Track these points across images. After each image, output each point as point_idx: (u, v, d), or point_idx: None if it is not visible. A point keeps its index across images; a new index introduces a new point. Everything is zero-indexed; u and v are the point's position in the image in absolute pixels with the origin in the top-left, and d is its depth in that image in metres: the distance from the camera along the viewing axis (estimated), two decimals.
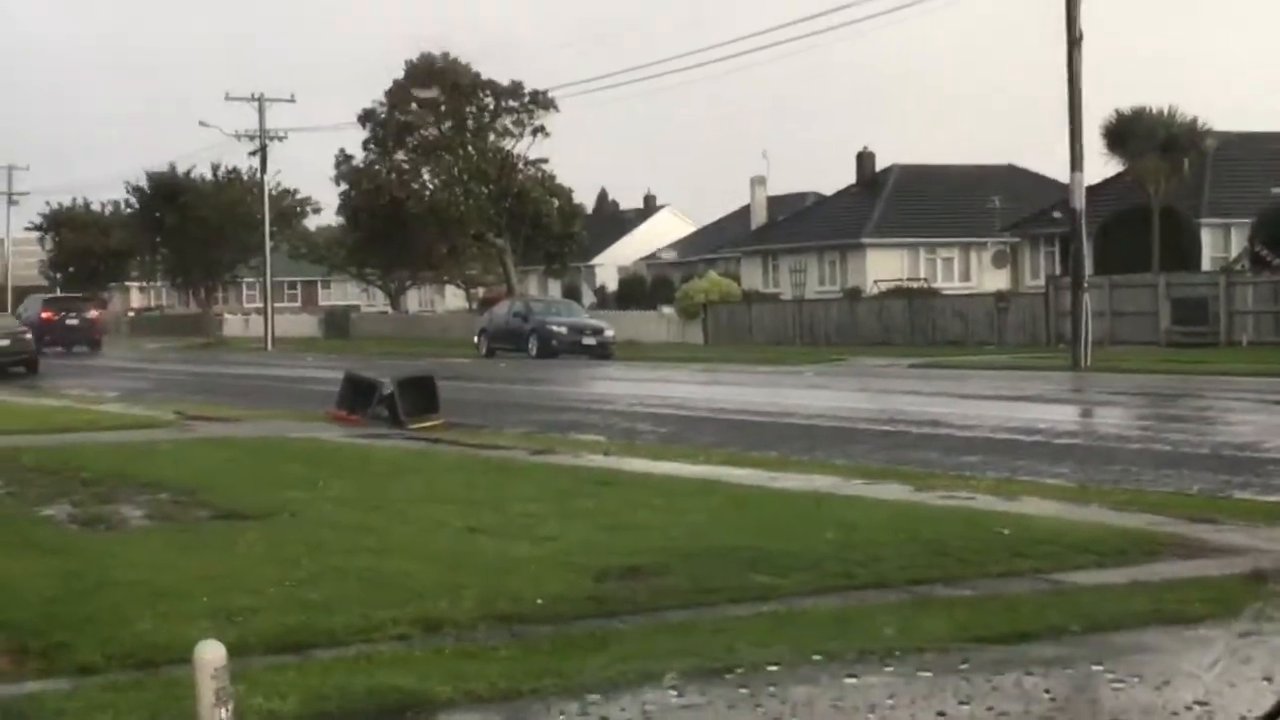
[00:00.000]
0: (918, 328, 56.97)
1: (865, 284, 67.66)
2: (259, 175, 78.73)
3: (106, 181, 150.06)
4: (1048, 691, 2.07)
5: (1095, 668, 3.16)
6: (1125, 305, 49.34)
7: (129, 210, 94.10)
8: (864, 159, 77.89)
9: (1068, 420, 24.86)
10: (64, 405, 28.83)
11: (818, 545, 10.49)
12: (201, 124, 78.66)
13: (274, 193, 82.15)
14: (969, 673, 3.34)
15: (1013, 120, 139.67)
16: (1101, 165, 55.07)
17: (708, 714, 2.38)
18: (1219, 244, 58.60)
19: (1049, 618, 7.89)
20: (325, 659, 7.62)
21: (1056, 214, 56.91)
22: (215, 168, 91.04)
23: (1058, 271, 55.92)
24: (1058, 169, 48.21)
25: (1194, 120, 54.89)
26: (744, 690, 3.01)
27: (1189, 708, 1.78)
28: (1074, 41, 40.25)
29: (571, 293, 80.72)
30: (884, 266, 69.31)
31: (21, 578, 9.82)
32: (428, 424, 22.07)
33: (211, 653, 5.13)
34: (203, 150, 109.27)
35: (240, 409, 27.21)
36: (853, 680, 3.09)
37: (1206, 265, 54.52)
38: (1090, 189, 44.03)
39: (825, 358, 47.24)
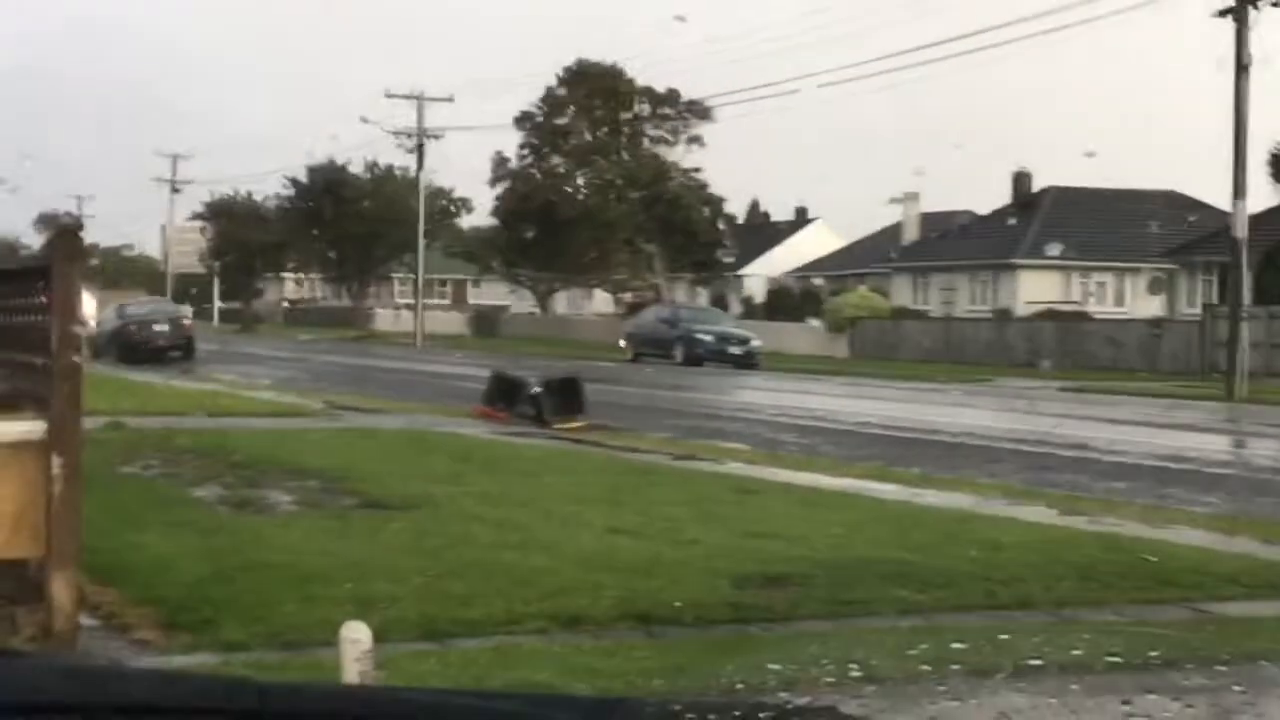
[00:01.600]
0: (1068, 351, 56.25)
1: (1016, 305, 66.93)
2: (415, 173, 79.70)
3: (267, 175, 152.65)
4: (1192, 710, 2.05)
5: (1247, 695, 3.10)
6: None
7: (288, 203, 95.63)
8: (1020, 179, 77.06)
9: (1219, 450, 24.42)
10: (217, 390, 29.37)
11: (960, 563, 10.41)
12: (363, 120, 79.66)
13: (429, 190, 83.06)
14: (1119, 694, 3.30)
15: (1175, 146, 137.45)
16: (1266, 194, 54.07)
17: (868, 710, 2.41)
18: None
19: (1198, 646, 7.76)
20: (465, 649, 7.71)
21: (1207, 242, 55.90)
22: (372, 164, 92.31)
23: (1215, 300, 54.95)
24: (1218, 196, 47.46)
25: None
26: (890, 698, 3.02)
27: None
28: (1242, 67, 39.57)
29: (719, 301, 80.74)
30: (1036, 288, 68.51)
31: (173, 556, 10.03)
32: (572, 425, 22.19)
33: (357, 633, 5.19)
34: (361, 147, 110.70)
35: (389, 401, 27.54)
36: (1002, 694, 3.07)
37: None
38: (1253, 218, 43.23)
39: (972, 377, 46.81)
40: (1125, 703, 1.99)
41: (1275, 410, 34.05)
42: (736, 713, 1.92)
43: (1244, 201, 40.51)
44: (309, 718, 1.80)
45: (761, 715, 1.84)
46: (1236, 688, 2.20)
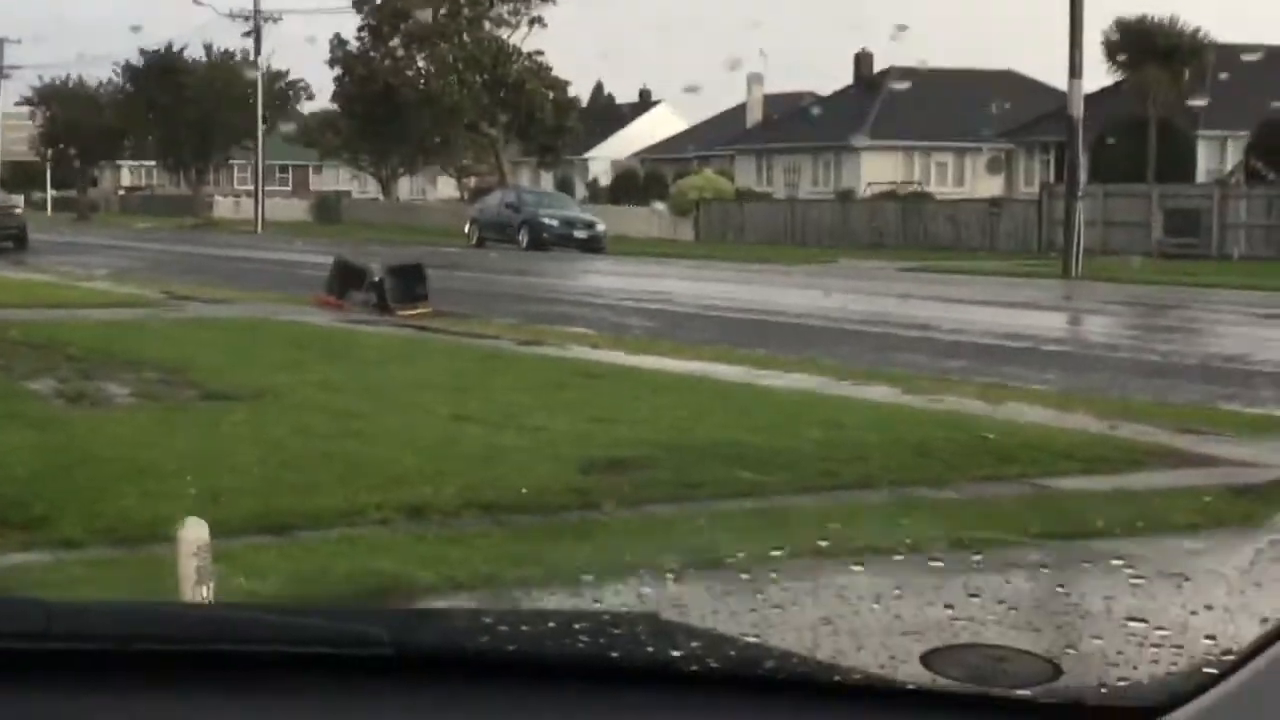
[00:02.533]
0: (910, 232, 56.83)
1: (859, 187, 67.42)
2: (253, 57, 78.15)
3: (100, 59, 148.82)
4: (1061, 586, 2.07)
5: (1088, 568, 3.15)
6: (1118, 215, 49.21)
7: (122, 89, 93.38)
8: (861, 60, 77.37)
9: (1056, 328, 24.85)
10: (52, 281, 28.73)
11: (803, 444, 10.49)
12: (196, 1, 77.75)
13: (267, 75, 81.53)
14: (972, 570, 3.32)
15: (1013, 26, 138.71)
16: (1101, 74, 54.81)
17: (704, 600, 2.36)
18: (1215, 157, 58.37)
19: (1036, 522, 7.91)
20: (307, 541, 7.62)
21: (1044, 122, 56.66)
22: (209, 48, 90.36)
23: (1052, 179, 55.76)
24: (1057, 76, 47.99)
25: (1195, 31, 54.61)
26: (743, 578, 3.01)
27: (1209, 608, 1.77)
28: None
29: (564, 186, 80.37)
30: (878, 170, 69.03)
31: (4, 451, 9.80)
32: (416, 311, 22.02)
33: (194, 531, 5.11)
34: (196, 31, 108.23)
35: (229, 290, 27.12)
36: (852, 573, 3.07)
37: (1201, 178, 54.36)
38: (1088, 97, 43.73)
39: (816, 259, 47.15)
40: (948, 606, 1.99)
41: (1109, 287, 34.70)
42: (551, 624, 1.88)
43: (1080, 81, 40.98)
44: (98, 638, 1.73)
45: (578, 626, 1.80)
46: (1060, 589, 2.21)
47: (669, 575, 5.19)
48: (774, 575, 2.93)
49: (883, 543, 4.86)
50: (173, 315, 21.53)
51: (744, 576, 3.09)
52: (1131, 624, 1.82)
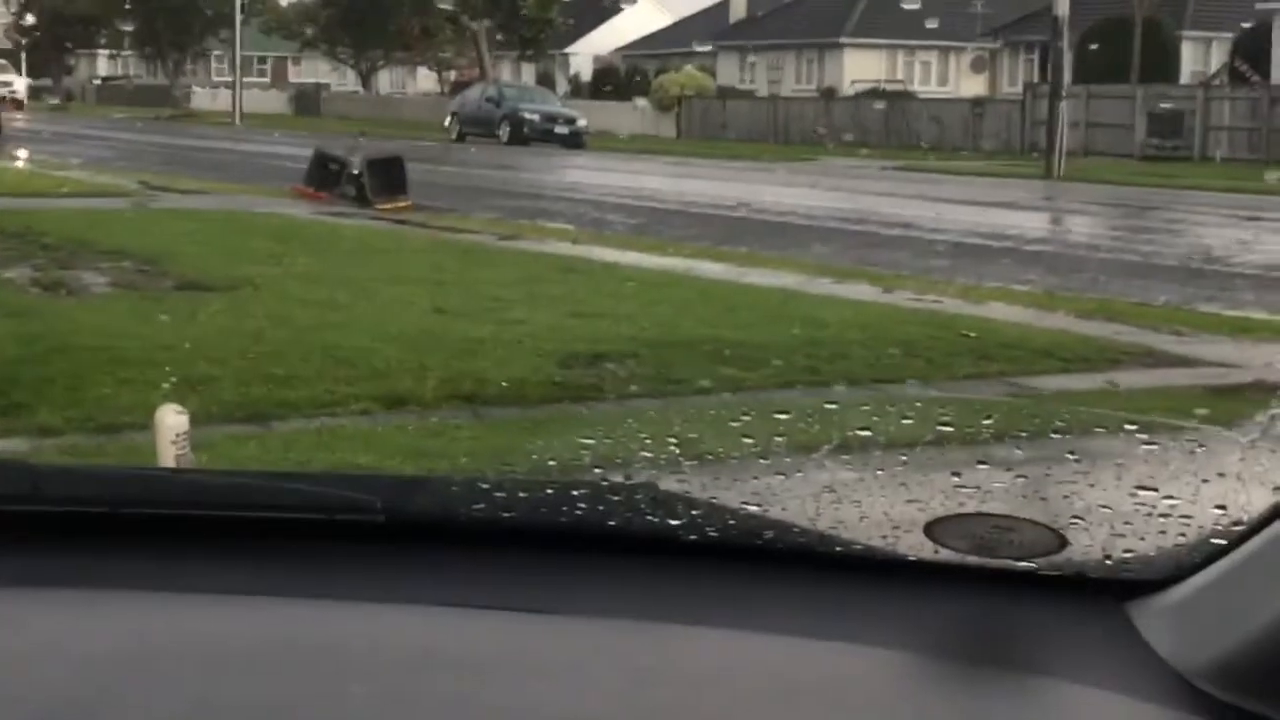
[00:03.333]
0: (893, 130, 56.62)
1: (842, 84, 67.08)
2: None
3: None
4: (1072, 453, 2.04)
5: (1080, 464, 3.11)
6: (1101, 116, 49.06)
7: None
8: None
9: (1037, 228, 24.82)
10: (26, 170, 28.52)
11: (785, 341, 10.47)
12: None
13: None
14: (943, 466, 3.30)
15: None
16: None
17: (689, 487, 2.34)
18: (1199, 58, 58.17)
19: (1018, 421, 7.90)
20: (287, 431, 7.60)
21: (1028, 22, 56.34)
22: None
23: (1036, 79, 55.53)
24: None
25: None
26: (724, 471, 2.99)
27: (1221, 475, 1.75)
28: None
29: (545, 80, 79.79)
30: (862, 68, 68.65)
31: None
32: (395, 205, 21.89)
33: (173, 417, 5.07)
34: None
35: (206, 181, 26.95)
36: (832, 469, 3.03)
37: (1185, 79, 54.18)
38: None
39: (798, 156, 46.98)
40: (955, 474, 1.96)
41: (1091, 188, 34.64)
42: (549, 490, 1.85)
43: None
44: (85, 501, 1.70)
45: (576, 492, 1.78)
46: (1070, 456, 2.19)
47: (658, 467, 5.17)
48: (752, 473, 2.92)
49: (878, 434, 4.83)
50: (149, 205, 21.38)
51: (723, 471, 3.06)
52: (1140, 493, 1.80)
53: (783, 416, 2.61)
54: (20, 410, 7.76)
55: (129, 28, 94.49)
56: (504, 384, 8.69)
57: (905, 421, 3.45)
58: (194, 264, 13.93)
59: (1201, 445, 2.07)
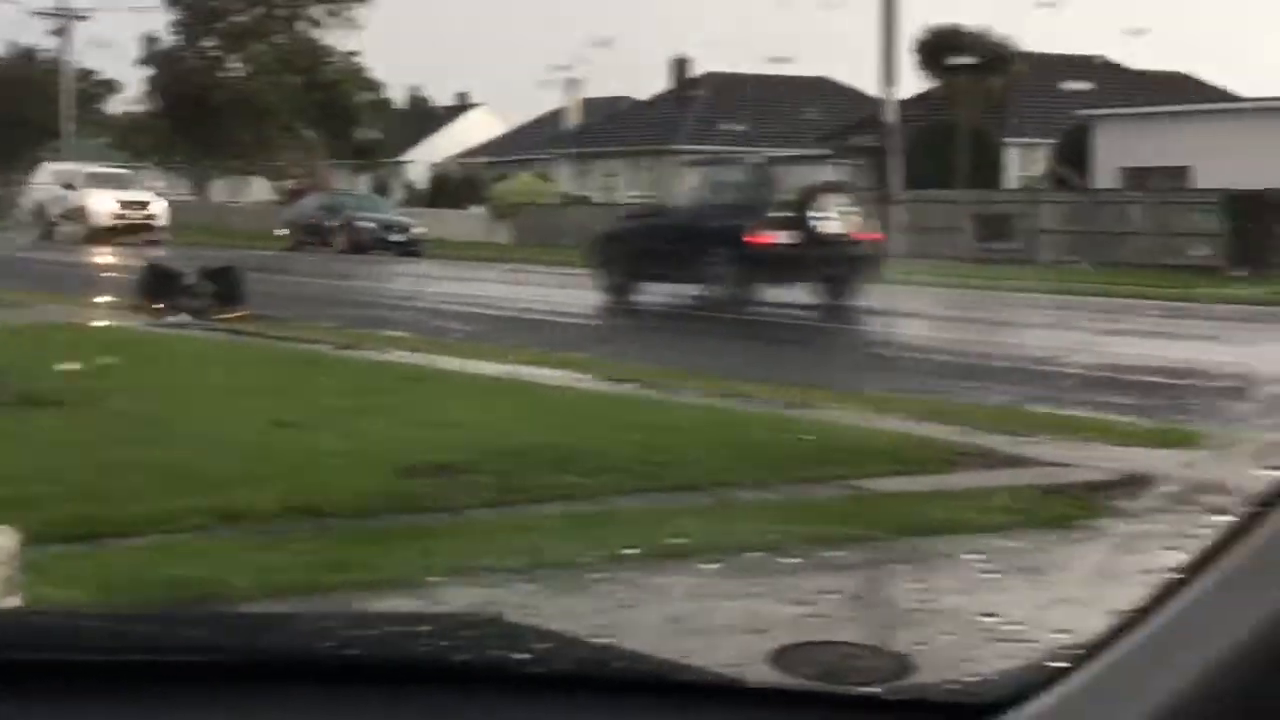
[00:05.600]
0: None
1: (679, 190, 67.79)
2: (61, 54, 76.48)
3: None
4: (919, 581, 2.05)
5: (908, 569, 3.14)
6: (932, 220, 50.03)
7: None
8: (679, 65, 77.84)
9: (873, 330, 25.18)
10: None
11: (624, 447, 10.48)
12: None
13: (76, 74, 79.88)
14: (783, 572, 3.33)
15: (827, 33, 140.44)
16: (914, 82, 55.80)
17: (526, 602, 2.31)
18: (1023, 163, 59.68)
19: (856, 523, 7.97)
20: (120, 549, 7.45)
21: (859, 129, 57.56)
22: (12, 45, 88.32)
23: (868, 185, 56.52)
24: (871, 83, 48.84)
25: (1004, 40, 55.85)
26: (562, 582, 2.96)
27: (1062, 601, 1.77)
28: None
29: (381, 188, 79.77)
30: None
31: None
32: (232, 315, 21.67)
33: (1, 537, 4.96)
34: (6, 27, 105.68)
35: (38, 294, 26.46)
36: (667, 576, 3.05)
37: (1012, 184, 55.54)
38: (902, 104, 44.49)
39: None
40: (790, 576, 1.98)
41: (920, 290, 35.21)
42: (394, 626, 1.83)
43: (894, 88, 41.70)
44: None
45: (421, 628, 1.76)
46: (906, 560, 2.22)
47: (495, 576, 5.15)
48: (592, 580, 2.91)
49: (723, 542, 4.85)
50: None
51: (561, 582, 3.05)
52: (982, 619, 1.82)
53: (631, 552, 2.62)
54: None
55: None
56: (344, 496, 8.60)
57: (737, 532, 3.47)
58: (23, 378, 13.61)
59: (1040, 573, 2.11)
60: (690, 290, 26.36)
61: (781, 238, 25.84)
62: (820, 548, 6.27)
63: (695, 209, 29.04)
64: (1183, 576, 1.28)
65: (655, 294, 26.98)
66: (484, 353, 17.91)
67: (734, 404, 13.45)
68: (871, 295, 25.94)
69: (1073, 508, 8.58)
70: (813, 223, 26.36)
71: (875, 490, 9.49)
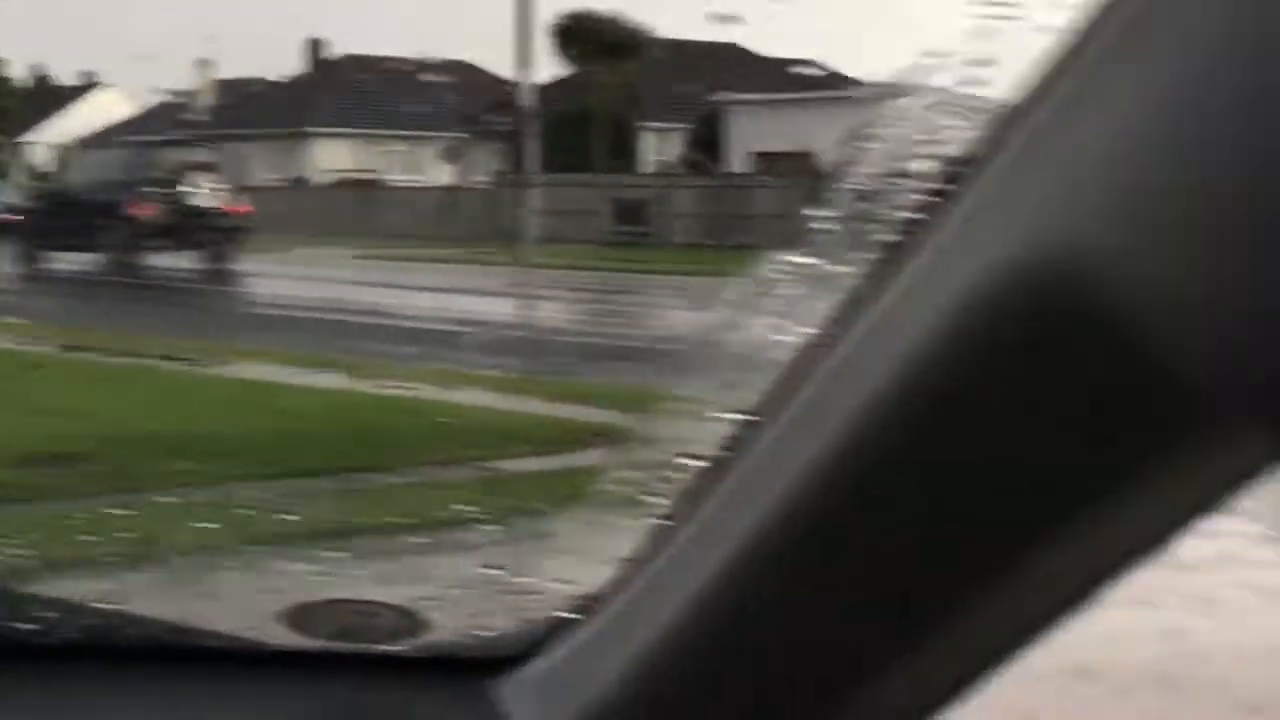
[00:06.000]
0: (364, 220, 56.75)
1: (312, 175, 66.91)
2: None
3: None
4: (424, 539, 2.05)
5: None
6: (568, 204, 50.47)
7: None
8: (314, 46, 76.82)
9: (506, 312, 25.30)
10: None
11: (250, 432, 10.32)
12: None
13: None
14: (400, 555, 3.30)
15: (465, 17, 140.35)
16: (553, 66, 56.22)
17: (129, 591, 2.24)
18: (658, 148, 60.69)
19: (484, 503, 7.99)
20: None
21: (496, 113, 57.81)
22: None
23: (505, 169, 56.74)
24: (509, 67, 49.01)
25: (637, 26, 56.78)
26: (167, 570, 2.90)
27: (568, 553, 1.79)
28: None
29: (1, 170, 76.65)
30: (332, 158, 68.67)
31: None
32: None
33: None
34: None
35: None
36: (278, 563, 3.00)
37: (649, 169, 56.45)
38: (540, 89, 44.78)
39: (269, 248, 46.46)
40: (421, 555, 1.96)
41: (556, 274, 35.57)
42: None
43: (529, 71, 41.95)
44: None
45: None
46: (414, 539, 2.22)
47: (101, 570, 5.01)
48: (195, 571, 2.86)
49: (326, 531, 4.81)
50: None
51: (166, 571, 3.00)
52: (490, 572, 1.83)
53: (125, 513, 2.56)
54: None
55: None
56: None
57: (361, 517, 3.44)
58: None
59: (551, 533, 2.13)
60: (90, 258, 30.35)
61: (158, 210, 32.13)
62: (445, 530, 6.28)
63: (88, 186, 34.75)
64: (670, 523, 1.31)
65: (62, 262, 30.44)
66: (109, 339, 17.35)
67: (374, 386, 13.32)
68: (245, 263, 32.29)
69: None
70: (184, 197, 33.16)
71: (509, 470, 9.52)
